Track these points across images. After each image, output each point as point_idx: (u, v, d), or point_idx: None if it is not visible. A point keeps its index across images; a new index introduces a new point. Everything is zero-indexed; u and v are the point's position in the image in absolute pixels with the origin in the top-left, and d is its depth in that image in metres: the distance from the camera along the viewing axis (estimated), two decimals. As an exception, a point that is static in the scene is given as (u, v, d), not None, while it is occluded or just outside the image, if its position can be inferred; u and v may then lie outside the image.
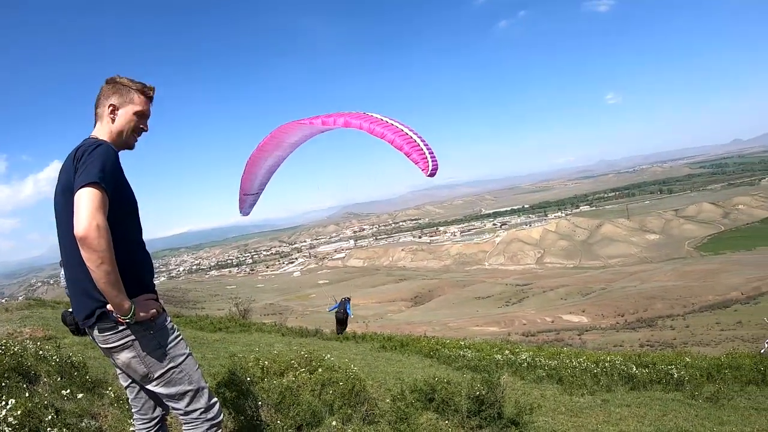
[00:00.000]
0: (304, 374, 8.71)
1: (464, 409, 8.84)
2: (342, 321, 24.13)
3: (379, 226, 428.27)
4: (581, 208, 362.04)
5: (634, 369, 14.69)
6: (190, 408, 4.08)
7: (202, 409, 4.11)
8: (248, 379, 7.39)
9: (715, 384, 13.37)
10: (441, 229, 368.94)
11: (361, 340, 22.42)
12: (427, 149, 8.46)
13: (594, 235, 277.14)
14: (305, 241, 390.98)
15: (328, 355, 11.48)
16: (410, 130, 8.47)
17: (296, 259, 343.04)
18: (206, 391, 4.20)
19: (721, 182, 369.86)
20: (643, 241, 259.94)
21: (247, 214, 10.62)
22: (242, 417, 6.46)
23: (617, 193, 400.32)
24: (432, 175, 8.26)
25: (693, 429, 9.66)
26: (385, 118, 8.67)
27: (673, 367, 14.74)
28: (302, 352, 10.23)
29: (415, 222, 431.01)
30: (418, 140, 8.44)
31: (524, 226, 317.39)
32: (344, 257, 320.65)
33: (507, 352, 17.99)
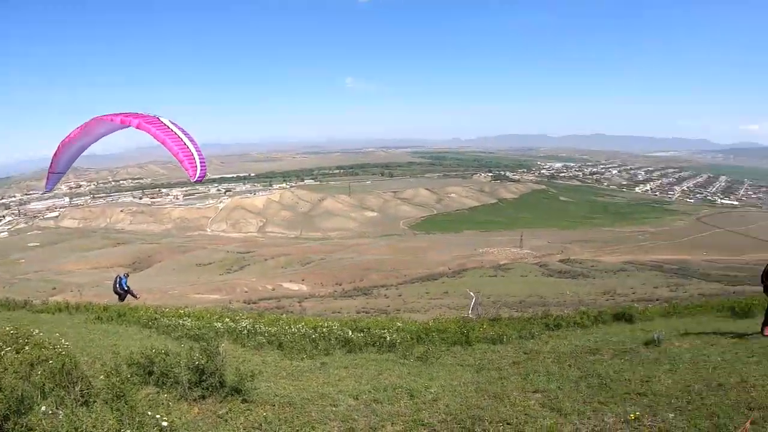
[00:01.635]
0: (10, 354, 7.93)
1: (185, 380, 8.72)
2: (119, 294, 25.35)
3: (98, 183, 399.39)
4: (306, 181, 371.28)
5: (351, 333, 15.47)
6: None
7: None
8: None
9: (425, 345, 14.68)
10: (164, 191, 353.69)
11: (75, 311, 20.99)
12: (199, 157, 10.10)
13: (316, 208, 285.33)
14: (14, 197, 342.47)
15: (37, 330, 10.63)
16: (187, 138, 9.76)
17: (3, 217, 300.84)
18: None
19: (438, 172, 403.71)
20: (361, 217, 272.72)
21: (50, 190, 11.63)
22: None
23: (342, 170, 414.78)
24: (198, 181, 10.12)
25: (406, 384, 10.40)
26: (170, 125, 9.73)
27: (386, 331, 15.75)
28: (7, 328, 9.36)
29: (136, 182, 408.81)
30: (192, 148, 9.83)
31: (249, 194, 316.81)
32: (57, 216, 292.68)
33: (227, 319, 17.87)
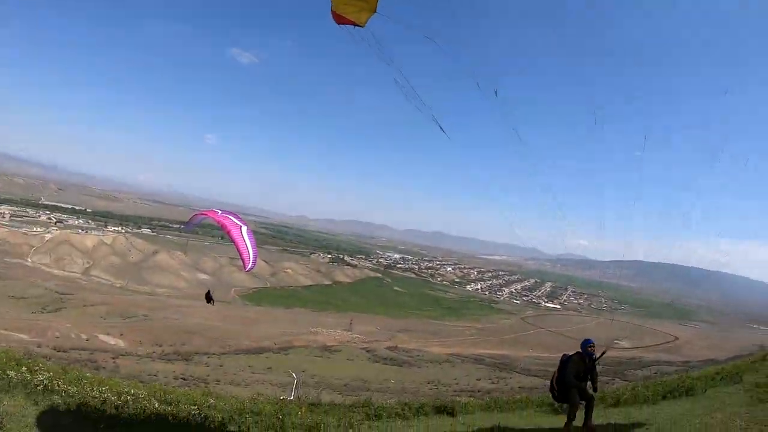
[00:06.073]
0: None
1: None
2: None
3: None
4: (143, 229, 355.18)
5: (157, 405, 14.48)
6: None
7: None
8: None
9: (236, 426, 13.97)
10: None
11: None
12: (253, 253, 14.34)
13: (148, 260, 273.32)
14: None
15: None
16: (250, 239, 14.66)
17: None
18: None
19: (278, 246, 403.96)
20: (193, 278, 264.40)
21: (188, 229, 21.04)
22: None
23: (182, 226, 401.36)
24: (248, 271, 15.65)
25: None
26: (244, 233, 14.64)
27: (197, 407, 14.91)
28: None
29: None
30: (250, 248, 14.42)
31: (80, 231, 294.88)
32: None
33: (24, 368, 15.81)
